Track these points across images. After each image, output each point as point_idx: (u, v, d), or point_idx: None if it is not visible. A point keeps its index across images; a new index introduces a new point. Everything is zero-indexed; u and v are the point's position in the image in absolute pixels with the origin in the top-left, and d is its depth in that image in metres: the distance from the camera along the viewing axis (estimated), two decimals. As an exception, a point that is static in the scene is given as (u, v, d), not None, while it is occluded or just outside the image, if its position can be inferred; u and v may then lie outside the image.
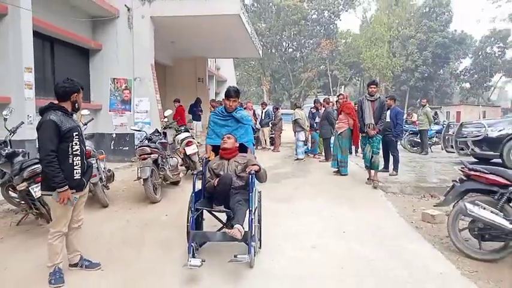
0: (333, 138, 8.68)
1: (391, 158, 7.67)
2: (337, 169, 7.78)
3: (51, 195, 2.90)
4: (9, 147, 4.44)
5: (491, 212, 3.33)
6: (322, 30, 42.98)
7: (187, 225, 3.34)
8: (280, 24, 41.12)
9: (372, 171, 6.68)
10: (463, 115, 30.31)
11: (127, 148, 9.30)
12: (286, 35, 42.40)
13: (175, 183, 6.43)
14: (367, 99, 6.55)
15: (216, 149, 3.96)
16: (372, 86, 6.60)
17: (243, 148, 3.92)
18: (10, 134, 4.57)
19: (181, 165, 7.14)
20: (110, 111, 9.50)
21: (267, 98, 41.62)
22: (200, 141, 9.37)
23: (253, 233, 3.25)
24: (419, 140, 11.76)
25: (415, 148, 11.96)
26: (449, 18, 40.51)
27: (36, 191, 3.64)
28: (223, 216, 3.73)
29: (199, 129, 12.92)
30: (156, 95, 9.68)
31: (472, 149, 8.43)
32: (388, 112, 7.42)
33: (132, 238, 4.01)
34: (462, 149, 8.79)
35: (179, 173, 6.60)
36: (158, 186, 5.55)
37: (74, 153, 2.95)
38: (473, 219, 3.45)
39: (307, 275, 3.17)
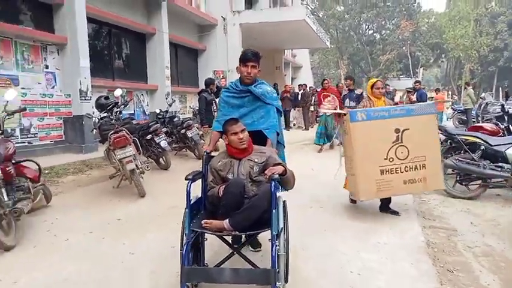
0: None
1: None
2: (322, 144, 8.51)
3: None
4: (168, 114, 8.20)
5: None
6: (403, 10, 42.58)
7: (181, 253, 2.26)
8: (358, 7, 41.91)
9: None
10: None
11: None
12: (365, 17, 42.95)
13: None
14: None
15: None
16: None
17: (260, 137, 2.83)
18: (168, 106, 8.31)
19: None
20: (211, 94, 13.36)
21: (344, 81, 43.15)
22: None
23: (278, 268, 2.17)
24: (466, 118, 13.44)
25: (462, 125, 13.65)
26: (550, -9, 37.12)
27: (189, 133, 7.18)
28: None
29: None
30: (244, 82, 13.16)
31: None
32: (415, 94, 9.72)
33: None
34: (488, 124, 10.63)
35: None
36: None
37: (214, 111, 6.43)
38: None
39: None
